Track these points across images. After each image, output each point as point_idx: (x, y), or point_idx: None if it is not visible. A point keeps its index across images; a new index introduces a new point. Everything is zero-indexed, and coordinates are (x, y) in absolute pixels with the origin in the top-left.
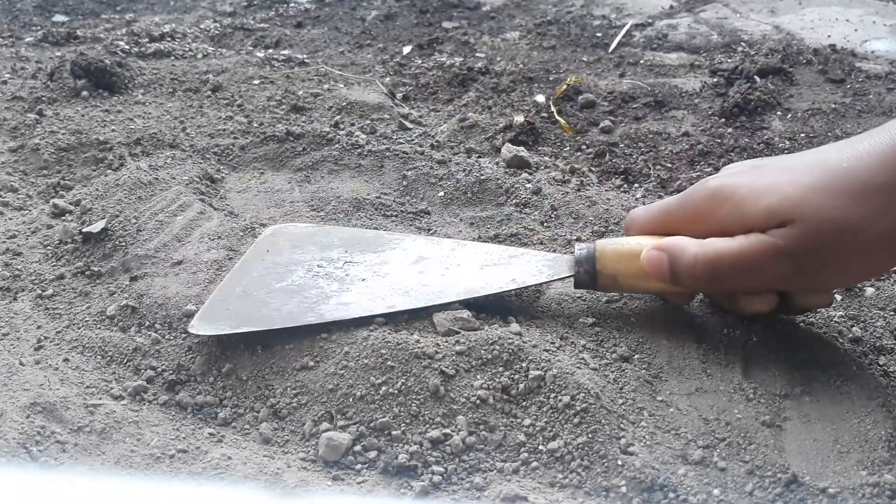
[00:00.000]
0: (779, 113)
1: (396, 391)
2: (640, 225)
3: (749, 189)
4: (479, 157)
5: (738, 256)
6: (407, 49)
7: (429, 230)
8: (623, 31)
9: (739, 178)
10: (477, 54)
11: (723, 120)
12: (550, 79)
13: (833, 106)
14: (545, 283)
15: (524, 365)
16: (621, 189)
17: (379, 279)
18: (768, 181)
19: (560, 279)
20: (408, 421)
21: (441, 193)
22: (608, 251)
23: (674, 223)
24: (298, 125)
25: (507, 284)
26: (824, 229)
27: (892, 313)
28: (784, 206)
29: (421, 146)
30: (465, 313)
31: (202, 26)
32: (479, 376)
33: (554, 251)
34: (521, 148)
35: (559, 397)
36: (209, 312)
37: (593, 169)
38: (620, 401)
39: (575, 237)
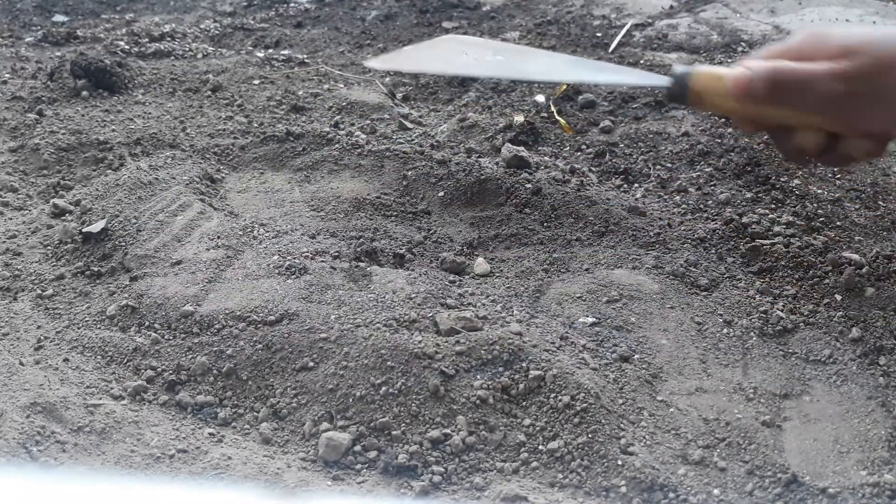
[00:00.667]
0: None
1: (396, 391)
2: (762, 53)
3: (837, 32)
4: (479, 157)
5: (801, 71)
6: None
7: (429, 230)
8: (623, 31)
9: (833, 27)
10: None
11: (723, 120)
12: None
13: None
14: (640, 86)
15: (524, 365)
16: (621, 189)
17: (509, 62)
18: (853, 30)
19: (656, 86)
20: (408, 421)
21: (441, 193)
22: (702, 71)
23: (772, 56)
24: (298, 125)
25: (603, 79)
26: (879, 62)
27: (892, 313)
28: (853, 42)
29: (421, 146)
30: (469, 312)
31: (202, 26)
32: (479, 376)
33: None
34: (521, 148)
35: (559, 397)
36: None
37: (593, 169)
38: (620, 401)
39: (575, 237)
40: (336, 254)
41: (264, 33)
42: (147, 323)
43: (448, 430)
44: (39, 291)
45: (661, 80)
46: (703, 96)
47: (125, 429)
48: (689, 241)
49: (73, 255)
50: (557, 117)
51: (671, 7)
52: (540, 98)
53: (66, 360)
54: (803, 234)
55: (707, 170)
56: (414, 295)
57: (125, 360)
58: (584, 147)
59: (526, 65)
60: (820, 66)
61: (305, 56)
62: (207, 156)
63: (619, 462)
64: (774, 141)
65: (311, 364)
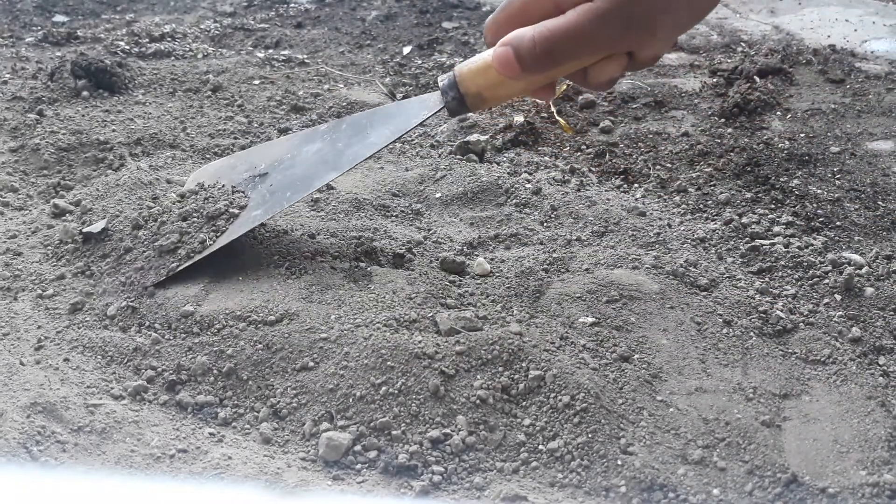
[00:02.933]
0: (778, 113)
1: (396, 391)
2: (491, 25)
3: None
4: (480, 156)
5: (570, 28)
6: (407, 49)
7: (429, 230)
8: None
9: None
10: None
11: (723, 120)
12: None
13: (833, 106)
14: (422, 122)
15: (524, 365)
16: (621, 189)
17: (283, 173)
18: None
19: (434, 114)
20: (408, 421)
21: (439, 194)
22: (465, 71)
23: (517, 12)
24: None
25: (389, 137)
26: None
27: (892, 313)
28: None
29: (421, 146)
30: (469, 313)
31: (202, 26)
32: (479, 376)
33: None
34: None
35: (559, 397)
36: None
37: (593, 169)
38: (620, 401)
39: (575, 237)
40: (336, 254)
41: (264, 33)
42: (147, 323)
43: (448, 430)
44: (40, 291)
45: (434, 102)
46: (482, 93)
47: (125, 429)
48: (689, 241)
49: (74, 255)
50: (557, 117)
51: None
52: None
53: (66, 360)
54: (803, 234)
55: (707, 170)
56: (414, 295)
57: (125, 360)
58: (584, 147)
59: (336, 159)
60: (583, 13)
61: (305, 56)
62: (207, 156)
63: (619, 462)
64: (577, 83)
65: (312, 364)
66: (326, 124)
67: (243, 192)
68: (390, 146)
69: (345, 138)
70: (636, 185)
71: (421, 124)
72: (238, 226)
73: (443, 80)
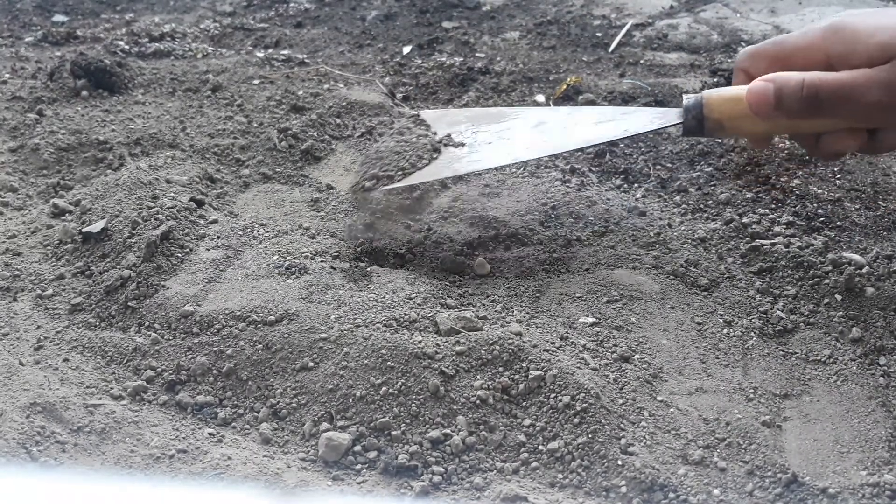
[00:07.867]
0: None
1: (396, 391)
2: (750, 56)
3: (865, 25)
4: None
5: (841, 85)
6: (407, 49)
7: (429, 229)
8: (623, 31)
9: (857, 17)
10: (477, 54)
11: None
12: (550, 79)
13: None
14: (656, 129)
15: (524, 365)
16: (621, 189)
17: (504, 141)
18: (885, 21)
19: (671, 126)
20: (408, 421)
21: (437, 196)
22: (714, 97)
23: (784, 55)
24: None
25: (620, 134)
26: None
27: (892, 313)
28: (895, 43)
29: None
30: (469, 313)
31: (202, 26)
32: (479, 376)
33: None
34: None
35: (559, 397)
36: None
37: (593, 169)
38: (620, 401)
39: (575, 237)
40: (336, 254)
41: (264, 33)
42: (147, 323)
43: (448, 431)
44: (39, 291)
45: (672, 117)
46: (723, 122)
47: (125, 429)
48: (689, 241)
49: (73, 255)
50: None
51: (671, 7)
52: (540, 98)
53: (65, 360)
54: (803, 234)
55: (707, 170)
56: (414, 295)
57: (125, 360)
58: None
59: (560, 137)
60: (859, 75)
61: (305, 56)
62: (207, 156)
63: (620, 462)
64: (804, 146)
65: (311, 364)
66: (552, 109)
67: (462, 143)
68: (613, 142)
69: (572, 124)
70: (636, 185)
71: (653, 132)
72: (455, 164)
73: (688, 98)
